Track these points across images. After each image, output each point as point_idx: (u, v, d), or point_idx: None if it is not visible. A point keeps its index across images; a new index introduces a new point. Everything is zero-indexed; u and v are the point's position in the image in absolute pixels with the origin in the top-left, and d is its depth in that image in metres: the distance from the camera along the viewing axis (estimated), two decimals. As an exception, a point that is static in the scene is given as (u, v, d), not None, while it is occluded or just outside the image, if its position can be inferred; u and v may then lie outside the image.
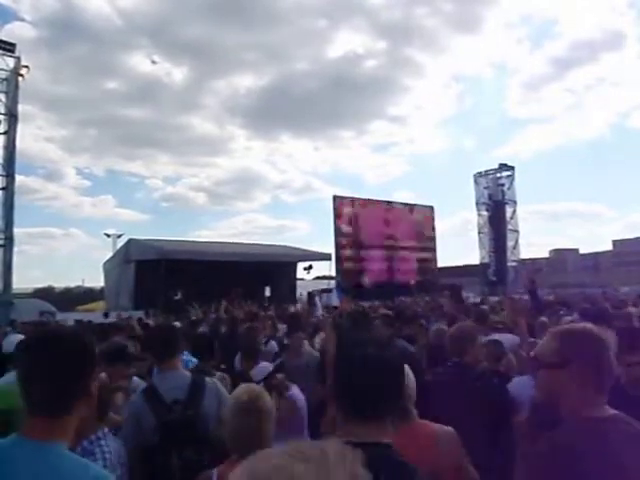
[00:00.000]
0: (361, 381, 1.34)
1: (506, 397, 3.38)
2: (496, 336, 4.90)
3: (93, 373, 1.43)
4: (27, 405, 1.33)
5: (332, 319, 7.29)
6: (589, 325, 1.71)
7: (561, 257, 75.87)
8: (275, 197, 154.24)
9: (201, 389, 2.60)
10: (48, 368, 1.33)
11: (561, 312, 8.44)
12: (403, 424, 2.19)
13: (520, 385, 3.50)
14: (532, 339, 4.74)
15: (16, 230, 21.65)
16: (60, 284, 68.09)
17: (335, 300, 20.83)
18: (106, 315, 14.18)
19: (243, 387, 2.12)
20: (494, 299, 19.45)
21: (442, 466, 2.12)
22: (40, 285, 60.87)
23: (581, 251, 77.62)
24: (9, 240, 20.98)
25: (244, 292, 15.27)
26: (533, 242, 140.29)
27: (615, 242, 74.08)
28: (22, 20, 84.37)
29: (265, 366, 3.82)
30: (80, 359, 1.39)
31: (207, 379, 2.72)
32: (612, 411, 1.54)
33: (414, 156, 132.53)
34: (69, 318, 14.68)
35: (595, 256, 71.86)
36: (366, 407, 1.34)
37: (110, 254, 34.12)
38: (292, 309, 13.94)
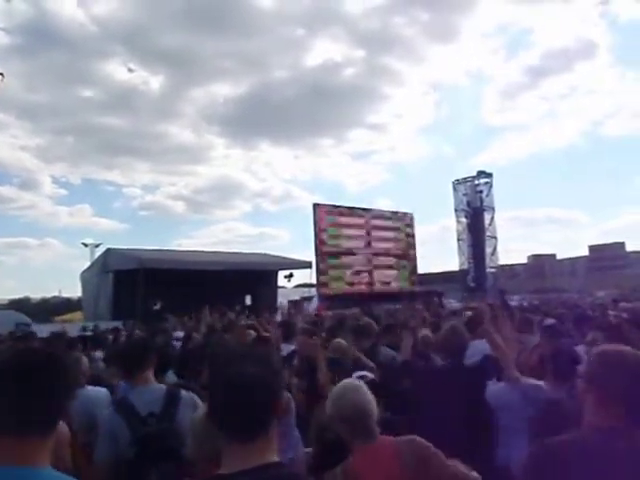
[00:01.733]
0: (234, 402, 1.28)
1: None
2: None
3: (71, 392, 1.39)
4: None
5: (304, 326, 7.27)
6: (626, 350, 1.72)
7: (539, 263, 76.89)
8: (255, 205, 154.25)
9: (176, 402, 2.57)
10: (17, 388, 1.27)
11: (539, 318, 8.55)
12: (366, 444, 2.22)
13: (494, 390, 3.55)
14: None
15: (-10, 240, 21.28)
16: (36, 295, 67.01)
17: (313, 306, 20.88)
18: (84, 329, 13.92)
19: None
20: (473, 304, 19.63)
21: (411, 477, 2.14)
22: (16, 296, 59.80)
23: (558, 257, 78.79)
24: (-17, 251, 20.60)
25: (225, 302, 15.20)
26: (511, 248, 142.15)
27: (591, 247, 75.37)
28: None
29: None
30: (52, 377, 1.32)
31: (183, 391, 2.69)
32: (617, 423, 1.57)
33: (394, 164, 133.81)
34: (45, 330, 14.40)
35: (572, 261, 72.97)
36: (246, 429, 1.29)
37: (88, 264, 33.69)
38: (277, 317, 13.85)
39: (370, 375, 3.36)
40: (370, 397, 2.36)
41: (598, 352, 1.73)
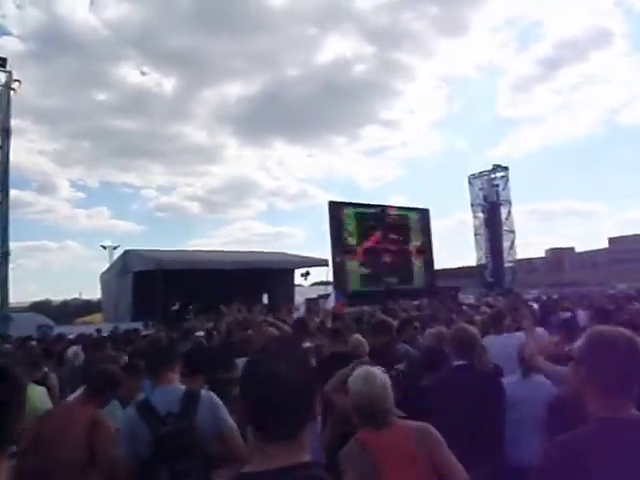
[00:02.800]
0: (265, 400, 1.27)
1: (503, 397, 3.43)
2: (504, 335, 4.97)
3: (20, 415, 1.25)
4: None
5: (320, 323, 7.30)
6: (620, 330, 1.69)
7: (557, 256, 75.93)
8: (270, 204, 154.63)
9: (195, 401, 2.61)
10: None
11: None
12: (377, 430, 2.39)
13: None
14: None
15: (11, 244, 21.64)
16: (57, 297, 67.90)
17: (331, 304, 20.85)
18: (99, 330, 14.11)
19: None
20: (489, 299, 19.52)
21: (421, 456, 2.30)
22: (37, 299, 60.66)
23: (577, 249, 77.78)
24: (4, 255, 20.98)
25: (242, 301, 15.27)
26: (529, 242, 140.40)
27: (611, 239, 74.28)
28: (9, 34, 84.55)
29: None
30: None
31: (202, 391, 2.73)
32: (635, 414, 1.54)
33: (408, 159, 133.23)
34: (68, 331, 14.62)
35: (591, 254, 71.97)
36: (279, 428, 1.27)
37: (107, 265, 34.09)
38: (294, 315, 13.92)
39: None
40: (382, 385, 2.48)
41: (591, 331, 1.70)
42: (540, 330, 5.34)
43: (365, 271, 33.74)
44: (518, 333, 5.14)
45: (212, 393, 2.71)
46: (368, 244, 34.19)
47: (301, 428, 1.31)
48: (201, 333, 9.17)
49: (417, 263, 36.76)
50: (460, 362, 3.54)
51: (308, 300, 27.76)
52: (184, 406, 2.58)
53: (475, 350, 3.59)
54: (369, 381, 2.51)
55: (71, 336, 11.57)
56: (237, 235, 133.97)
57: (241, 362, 4.77)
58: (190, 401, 2.60)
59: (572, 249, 77.75)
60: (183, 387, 2.72)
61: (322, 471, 1.33)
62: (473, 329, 3.98)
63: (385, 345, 4.79)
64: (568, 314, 6.85)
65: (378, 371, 2.61)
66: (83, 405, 3.31)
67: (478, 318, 7.70)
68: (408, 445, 2.34)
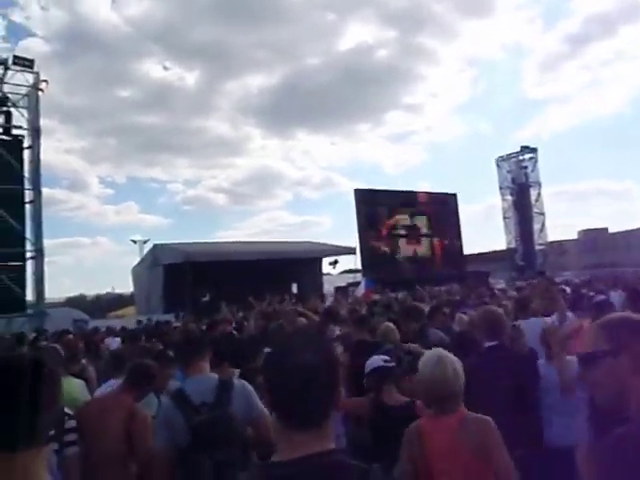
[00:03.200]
0: (291, 389, 1.26)
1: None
2: (531, 320, 4.93)
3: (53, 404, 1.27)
4: None
5: (350, 311, 7.29)
6: (629, 313, 1.60)
7: (590, 237, 74.38)
8: (296, 194, 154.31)
9: (228, 391, 2.62)
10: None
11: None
12: (437, 414, 2.43)
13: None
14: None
15: (45, 242, 22.12)
16: (91, 292, 69.36)
17: (362, 291, 20.86)
18: (139, 322, 14.40)
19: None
20: (522, 283, 19.26)
21: (465, 448, 2.30)
22: (72, 294, 62.07)
23: (610, 230, 76.08)
24: (39, 252, 21.46)
25: (271, 291, 15.39)
26: (560, 224, 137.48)
27: (646, 219, 72.45)
28: (34, 35, 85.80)
29: None
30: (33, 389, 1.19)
31: (235, 380, 2.75)
32: None
33: (433, 144, 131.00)
34: (102, 325, 14.95)
35: (625, 234, 70.33)
36: (304, 417, 1.27)
37: (137, 259, 34.69)
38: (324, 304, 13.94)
39: (388, 363, 3.35)
40: (453, 369, 2.47)
41: (611, 319, 1.52)
42: (570, 315, 5.27)
43: (394, 257, 33.63)
44: (546, 318, 5.09)
45: (244, 381, 2.72)
46: (396, 230, 34.02)
47: (325, 417, 1.30)
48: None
49: (447, 248, 36.43)
50: (491, 343, 3.51)
51: (337, 288, 27.81)
52: (218, 395, 2.59)
53: (505, 331, 3.56)
54: (441, 364, 2.49)
55: (103, 329, 11.85)
56: (264, 226, 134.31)
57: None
58: (224, 390, 2.62)
59: (605, 230, 76.06)
60: (216, 376, 2.75)
61: (347, 457, 1.32)
62: (500, 310, 3.95)
63: (417, 332, 4.77)
64: (601, 297, 6.67)
65: (450, 355, 2.59)
66: (121, 397, 3.37)
67: (506, 303, 7.61)
68: (459, 437, 2.33)
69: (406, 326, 4.92)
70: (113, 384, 3.94)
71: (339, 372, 1.40)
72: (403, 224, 34.69)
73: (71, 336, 9.80)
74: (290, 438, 1.28)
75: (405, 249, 34.49)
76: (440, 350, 2.65)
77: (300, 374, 1.27)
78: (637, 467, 1.32)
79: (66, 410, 2.82)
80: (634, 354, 1.41)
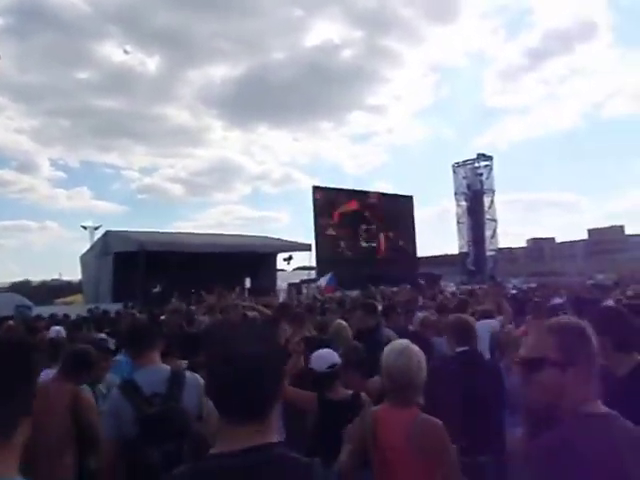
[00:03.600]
0: (232, 379, 1.23)
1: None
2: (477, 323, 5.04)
3: (33, 388, 1.25)
4: None
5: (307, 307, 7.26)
6: (571, 318, 1.68)
7: (538, 246, 76.91)
8: (255, 188, 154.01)
9: (181, 382, 2.58)
10: None
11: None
12: (395, 405, 2.45)
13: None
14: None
15: (-11, 223, 21.22)
16: (37, 277, 67.04)
17: (323, 284, 20.88)
18: (90, 311, 13.99)
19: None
20: (467, 287, 19.74)
21: (413, 445, 2.33)
22: (17, 279, 59.85)
23: (557, 240, 78.79)
24: (-17, 234, 20.57)
25: (222, 286, 15.25)
26: (511, 231, 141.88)
27: (591, 231, 75.34)
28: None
29: None
30: (18, 371, 1.19)
31: (187, 373, 2.70)
32: (605, 408, 1.51)
33: (393, 146, 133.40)
34: (47, 312, 14.45)
35: (571, 245, 72.98)
36: (243, 411, 1.24)
37: (88, 246, 33.71)
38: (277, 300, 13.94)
39: (335, 359, 3.37)
40: (417, 361, 2.51)
41: (561, 326, 1.59)
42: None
43: (348, 255, 33.85)
44: (489, 320, 5.29)
45: (197, 374, 2.68)
46: (351, 229, 34.26)
47: (267, 409, 1.27)
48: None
49: (400, 250, 36.94)
50: (460, 349, 3.56)
51: (290, 285, 27.80)
52: (170, 386, 2.55)
53: (474, 337, 3.62)
54: (406, 354, 2.52)
55: (45, 315, 11.46)
56: (220, 218, 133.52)
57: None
58: (176, 381, 2.57)
59: (552, 239, 78.77)
60: (168, 367, 2.70)
61: (289, 450, 1.30)
62: (470, 318, 4.03)
63: (371, 329, 4.80)
64: (557, 300, 6.94)
65: (416, 347, 2.61)
66: (60, 384, 3.26)
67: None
68: (410, 433, 2.36)
69: (361, 322, 4.95)
70: (48, 374, 3.65)
71: (283, 364, 1.37)
72: (359, 223, 34.96)
73: (11, 322, 9.44)
74: (231, 430, 1.25)
75: (359, 248, 34.77)
76: (407, 341, 2.69)
77: (241, 364, 1.23)
78: (570, 471, 1.38)
79: None
80: (580, 366, 1.48)
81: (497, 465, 3.05)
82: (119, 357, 4.35)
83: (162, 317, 8.69)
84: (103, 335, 6.01)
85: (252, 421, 1.24)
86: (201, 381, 2.64)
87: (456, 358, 3.53)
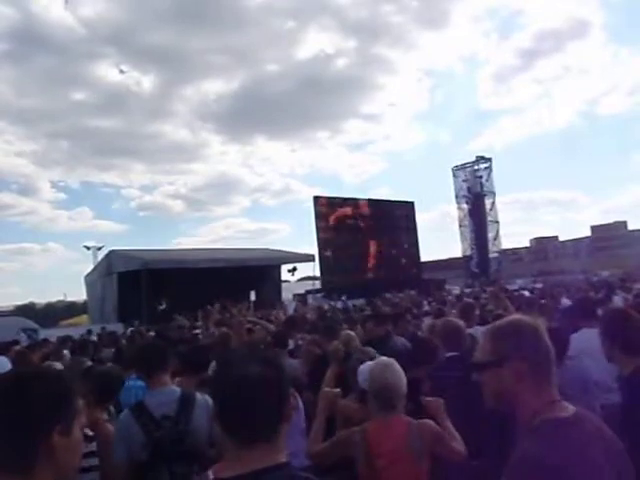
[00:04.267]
0: (239, 404, 1.25)
1: None
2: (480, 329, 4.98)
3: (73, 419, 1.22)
4: None
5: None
6: (518, 316, 1.68)
7: (541, 245, 76.69)
8: (254, 200, 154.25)
9: (191, 404, 2.57)
10: (13, 420, 1.14)
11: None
12: (386, 417, 2.51)
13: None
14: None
15: (-7, 248, 21.22)
16: (41, 300, 67.09)
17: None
18: (89, 332, 13.95)
19: None
20: (472, 290, 19.69)
21: (411, 451, 2.42)
22: (21, 302, 59.88)
23: (561, 238, 78.58)
24: (-13, 259, 20.58)
25: (226, 301, 15.25)
26: (513, 232, 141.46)
27: (593, 228, 75.14)
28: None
29: None
30: (48, 408, 1.17)
31: (198, 394, 2.69)
32: (571, 408, 1.46)
33: (391, 153, 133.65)
34: (53, 334, 14.42)
35: (575, 242, 72.78)
36: (254, 433, 1.25)
37: (91, 266, 33.73)
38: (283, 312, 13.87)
39: None
40: (399, 374, 2.61)
41: (493, 328, 1.60)
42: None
43: (352, 264, 33.81)
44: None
45: (207, 396, 2.67)
46: (354, 238, 34.25)
47: (274, 431, 1.28)
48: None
49: (404, 255, 36.89)
50: (450, 354, 3.54)
51: (296, 295, 27.77)
52: (180, 409, 2.53)
53: (463, 341, 3.59)
54: (390, 369, 2.62)
55: (53, 339, 11.40)
56: (222, 232, 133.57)
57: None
58: (186, 404, 2.56)
59: (556, 238, 78.56)
60: (178, 389, 2.68)
61: (299, 471, 1.31)
62: (459, 321, 3.99)
63: (382, 338, 4.78)
64: (567, 303, 6.90)
65: (394, 361, 2.71)
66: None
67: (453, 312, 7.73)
68: (408, 440, 2.43)
69: (371, 333, 4.94)
70: None
71: (288, 385, 1.37)
72: (361, 232, 34.95)
73: (18, 347, 9.39)
74: (237, 454, 1.25)
75: (362, 256, 34.74)
76: (385, 358, 2.80)
77: (245, 387, 1.25)
78: None
79: (86, 431, 2.47)
80: (514, 365, 1.47)
81: (501, 469, 3.02)
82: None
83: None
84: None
85: (258, 443, 1.25)
86: (211, 402, 2.63)
87: (446, 364, 3.50)
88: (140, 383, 3.34)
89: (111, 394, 3.21)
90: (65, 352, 7.16)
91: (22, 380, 1.22)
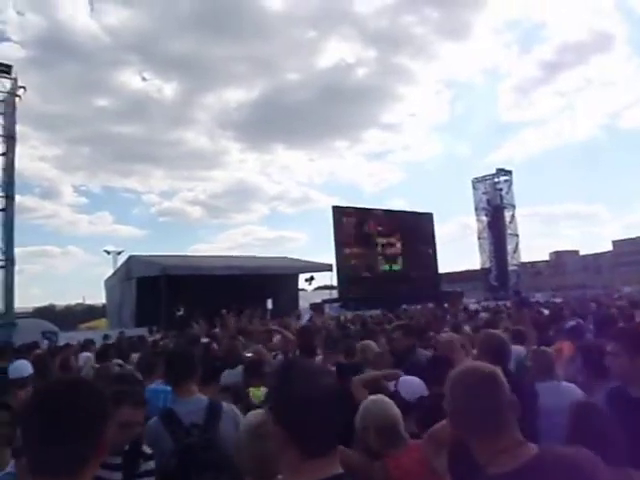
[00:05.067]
0: (324, 417, 1.28)
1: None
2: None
3: (107, 429, 1.27)
4: (34, 469, 1.19)
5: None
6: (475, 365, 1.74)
7: (561, 259, 75.84)
8: (272, 209, 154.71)
9: (218, 413, 2.58)
10: (64, 428, 1.17)
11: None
12: (397, 450, 2.44)
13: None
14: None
15: (15, 249, 21.53)
16: (61, 302, 67.89)
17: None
18: (106, 337, 14.04)
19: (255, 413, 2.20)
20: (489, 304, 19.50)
21: (441, 466, 2.35)
22: (40, 304, 60.66)
23: (581, 252, 77.61)
24: (10, 261, 20.88)
25: (242, 307, 15.24)
26: (533, 245, 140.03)
27: (615, 242, 74.08)
28: (9, 40, 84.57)
29: None
30: (97, 415, 1.23)
31: (224, 403, 2.70)
32: (525, 456, 1.44)
33: (409, 163, 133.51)
34: (72, 337, 14.56)
35: (595, 257, 71.87)
36: (326, 443, 1.30)
37: (111, 270, 34.11)
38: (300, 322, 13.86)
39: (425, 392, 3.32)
40: (395, 407, 2.56)
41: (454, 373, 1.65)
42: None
43: (369, 276, 33.71)
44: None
45: (233, 405, 2.68)
46: (372, 249, 34.17)
47: (337, 442, 1.33)
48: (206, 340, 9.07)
49: (421, 267, 36.66)
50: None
51: (312, 305, 27.72)
52: (208, 417, 2.55)
53: (507, 357, 3.50)
54: (387, 403, 2.58)
55: (73, 342, 11.46)
56: (239, 240, 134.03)
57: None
58: (213, 413, 2.58)
59: (576, 252, 77.61)
60: (205, 398, 2.70)
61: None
62: (503, 335, 3.94)
63: (408, 349, 4.76)
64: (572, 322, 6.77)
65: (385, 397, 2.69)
66: None
67: (467, 328, 7.61)
68: (427, 464, 2.36)
69: (399, 343, 4.91)
70: None
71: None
72: (379, 242, 34.86)
73: (39, 351, 9.47)
74: (304, 463, 1.27)
75: (380, 267, 34.63)
76: (378, 396, 2.71)
77: (329, 398, 1.30)
78: None
79: (144, 448, 2.43)
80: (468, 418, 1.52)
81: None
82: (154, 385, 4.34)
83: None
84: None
85: (330, 452, 1.30)
86: (237, 412, 2.64)
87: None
88: (168, 388, 3.38)
89: None
90: (89, 354, 7.21)
91: (75, 388, 1.26)
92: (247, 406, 3.45)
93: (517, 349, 5.02)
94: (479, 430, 1.50)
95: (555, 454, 1.46)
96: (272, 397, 1.40)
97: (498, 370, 1.62)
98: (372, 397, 2.68)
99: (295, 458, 1.28)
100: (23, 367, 5.29)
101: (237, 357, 5.35)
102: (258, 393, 4.26)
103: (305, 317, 18.71)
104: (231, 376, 4.62)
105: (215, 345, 7.74)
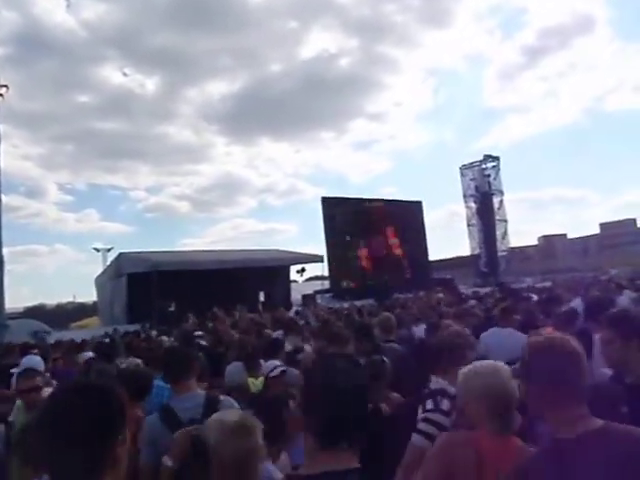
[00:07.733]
0: (341, 411, 1.33)
1: None
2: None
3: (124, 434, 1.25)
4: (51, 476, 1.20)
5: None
6: (555, 336, 1.74)
7: (550, 243, 76.31)
8: (261, 201, 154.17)
9: (216, 407, 2.61)
10: (76, 433, 1.15)
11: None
12: (502, 434, 1.98)
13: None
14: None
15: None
16: (51, 301, 67.44)
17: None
18: (107, 335, 14.02)
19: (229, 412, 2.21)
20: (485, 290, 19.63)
21: None
22: (30, 303, 60.18)
23: (569, 236, 78.16)
24: (-1, 261, 20.74)
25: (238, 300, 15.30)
26: (522, 230, 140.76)
27: (602, 225, 74.67)
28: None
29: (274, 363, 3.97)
30: (113, 420, 1.21)
31: (222, 397, 2.74)
32: (589, 427, 1.50)
33: (396, 152, 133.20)
34: (64, 336, 14.50)
35: (583, 240, 72.40)
36: (341, 436, 1.34)
37: (100, 268, 33.94)
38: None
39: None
40: (513, 380, 2.03)
41: (528, 342, 1.72)
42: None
43: (361, 265, 33.79)
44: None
45: (231, 399, 2.72)
46: (362, 238, 34.23)
47: (356, 436, 1.39)
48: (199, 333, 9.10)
49: (413, 255, 36.78)
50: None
51: (304, 296, 27.80)
52: (206, 412, 2.58)
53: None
54: (502, 372, 2.06)
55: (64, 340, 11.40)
56: (228, 233, 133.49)
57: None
58: (211, 407, 2.61)
59: (564, 236, 78.14)
60: (203, 393, 2.73)
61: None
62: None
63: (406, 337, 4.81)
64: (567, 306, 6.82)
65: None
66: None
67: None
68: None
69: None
70: None
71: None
72: (368, 232, 34.89)
73: (36, 351, 9.41)
74: (325, 454, 1.34)
75: (371, 257, 34.70)
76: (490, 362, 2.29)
77: (357, 394, 1.36)
78: None
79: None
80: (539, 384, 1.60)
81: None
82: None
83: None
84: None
85: (346, 446, 1.35)
86: (236, 405, 2.68)
87: None
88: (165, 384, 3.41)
89: (144, 392, 3.27)
90: (90, 354, 7.14)
91: (90, 391, 1.25)
92: (249, 397, 3.52)
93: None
94: (561, 399, 1.54)
95: (619, 429, 1.51)
96: (299, 388, 1.51)
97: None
98: (483, 362, 2.19)
99: (312, 447, 1.36)
100: (37, 361, 5.33)
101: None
102: (257, 383, 4.35)
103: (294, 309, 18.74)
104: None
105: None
